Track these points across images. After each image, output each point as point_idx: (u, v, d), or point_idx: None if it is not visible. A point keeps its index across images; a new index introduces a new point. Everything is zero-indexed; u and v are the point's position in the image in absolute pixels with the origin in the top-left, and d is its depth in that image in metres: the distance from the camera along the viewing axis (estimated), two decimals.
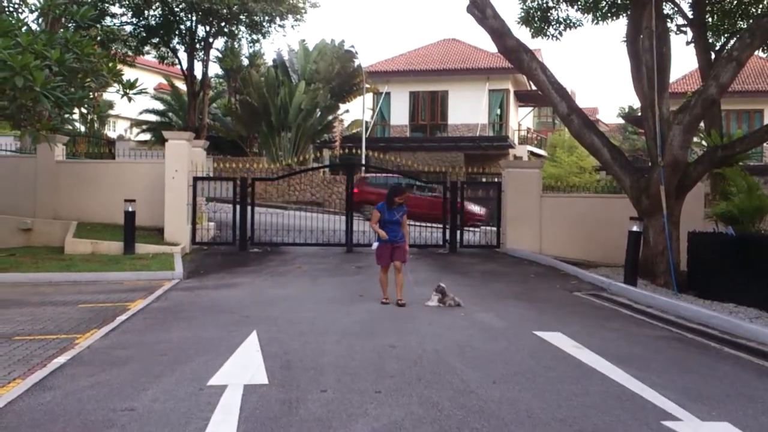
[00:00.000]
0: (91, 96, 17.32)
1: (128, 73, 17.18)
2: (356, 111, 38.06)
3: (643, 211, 12.84)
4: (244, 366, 6.59)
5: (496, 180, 18.56)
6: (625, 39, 14.79)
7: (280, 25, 30.15)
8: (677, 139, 12.29)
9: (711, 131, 16.46)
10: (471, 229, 18.72)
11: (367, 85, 34.75)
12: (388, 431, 4.91)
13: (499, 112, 37.63)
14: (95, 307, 9.71)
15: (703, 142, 17.39)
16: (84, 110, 29.10)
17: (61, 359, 6.71)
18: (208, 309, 9.76)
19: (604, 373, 6.57)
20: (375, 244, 10.07)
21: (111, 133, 44.48)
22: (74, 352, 7.04)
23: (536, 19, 18.46)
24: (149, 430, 4.86)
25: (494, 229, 17.51)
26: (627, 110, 51.79)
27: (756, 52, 17.20)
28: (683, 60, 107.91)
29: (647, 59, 13.05)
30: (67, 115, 20.28)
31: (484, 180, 25.96)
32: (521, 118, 42.46)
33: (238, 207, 16.38)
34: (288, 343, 7.60)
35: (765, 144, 28.92)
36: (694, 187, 13.05)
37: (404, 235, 10.11)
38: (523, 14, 18.61)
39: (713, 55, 18.87)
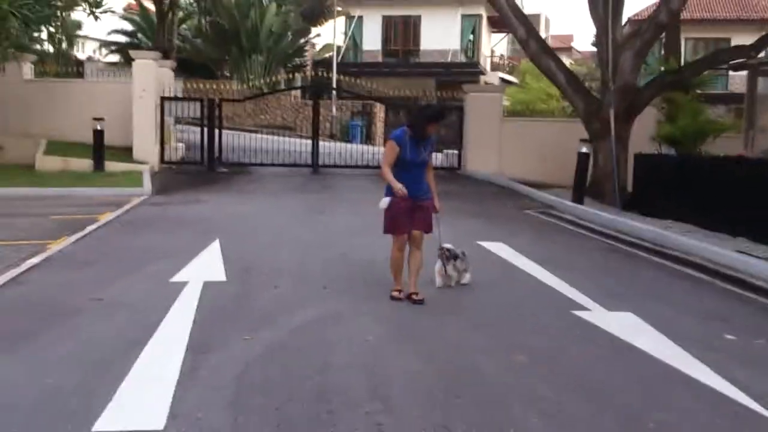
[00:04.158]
0: (59, 14, 17.24)
1: None
2: (328, 35, 37.76)
3: (593, 134, 13.42)
4: (205, 267, 7.16)
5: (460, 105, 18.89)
6: None
7: None
8: (628, 64, 12.79)
9: (669, 58, 16.91)
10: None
11: (339, 9, 34.40)
12: (330, 316, 5.55)
13: (471, 37, 37.56)
14: (66, 219, 10.14)
15: (662, 69, 17.84)
16: (52, 29, 28.70)
17: (33, 260, 7.21)
18: (174, 221, 10.30)
19: (532, 274, 7.26)
20: (385, 200, 6.06)
21: (80, 54, 43.66)
22: (46, 254, 7.55)
23: None
24: (116, 315, 5.45)
25: (456, 152, 18.01)
26: None
27: None
28: None
29: None
30: (35, 34, 20.17)
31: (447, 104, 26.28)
32: (495, 45, 42.43)
33: (206, 127, 16.67)
34: (248, 250, 8.17)
35: (731, 72, 29.52)
36: (643, 110, 13.58)
37: (431, 187, 6.22)
38: None
39: None
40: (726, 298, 6.83)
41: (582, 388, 4.24)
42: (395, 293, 6.18)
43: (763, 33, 13.28)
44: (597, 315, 5.81)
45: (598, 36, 13.70)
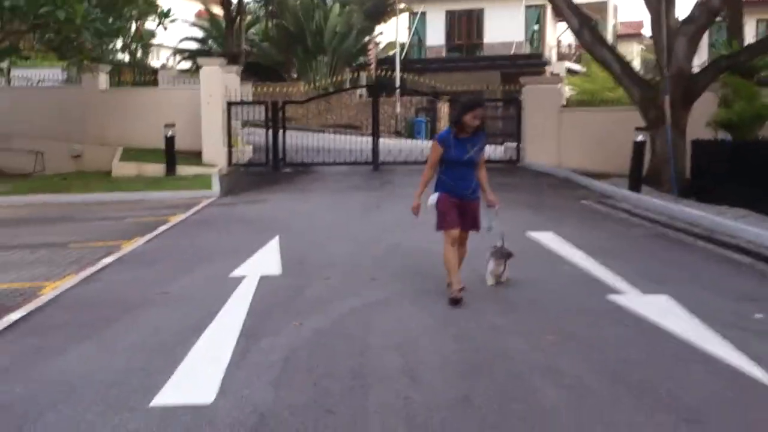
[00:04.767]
0: (130, 26, 18.23)
1: (165, 2, 18.08)
2: (391, 33, 38.18)
3: (650, 122, 13.32)
4: (263, 262, 7.67)
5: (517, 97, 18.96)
6: None
7: None
8: (682, 50, 12.66)
9: (732, 41, 16.53)
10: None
11: (402, 6, 34.78)
12: (374, 304, 5.96)
13: (536, 28, 37.29)
14: (139, 221, 10.91)
15: (723, 52, 17.43)
16: (126, 40, 30.21)
17: (107, 260, 7.90)
18: (239, 221, 10.94)
19: (574, 262, 7.46)
20: (433, 197, 6.13)
21: (155, 62, 45.49)
22: (119, 254, 8.25)
23: None
24: (178, 307, 6.02)
25: (515, 144, 18.11)
26: None
27: None
28: None
29: None
30: (109, 46, 21.37)
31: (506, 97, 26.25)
32: (561, 34, 41.89)
33: (270, 129, 17.35)
34: (305, 246, 8.65)
35: None
36: (700, 96, 13.38)
37: (480, 184, 6.21)
38: None
39: None
40: (766, 280, 6.88)
41: (601, 364, 4.51)
42: (455, 293, 5.89)
43: None
44: (631, 298, 6.00)
45: (652, 22, 13.58)
